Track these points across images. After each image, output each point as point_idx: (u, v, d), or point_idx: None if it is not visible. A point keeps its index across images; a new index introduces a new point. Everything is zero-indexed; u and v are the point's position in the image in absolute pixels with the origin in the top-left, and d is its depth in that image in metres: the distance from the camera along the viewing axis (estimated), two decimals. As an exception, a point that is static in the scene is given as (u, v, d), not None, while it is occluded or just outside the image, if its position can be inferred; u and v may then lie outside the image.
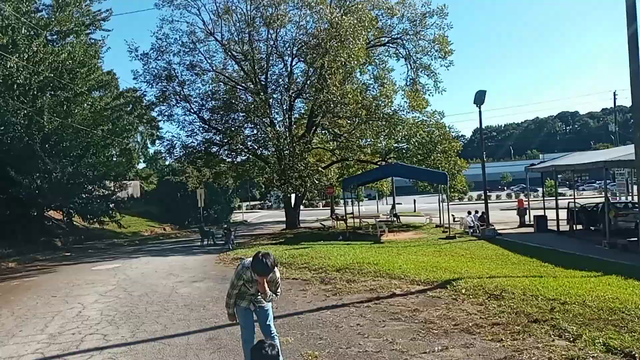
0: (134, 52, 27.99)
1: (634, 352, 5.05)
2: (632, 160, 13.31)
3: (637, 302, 6.92)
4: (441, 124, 30.40)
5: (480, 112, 23.27)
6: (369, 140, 30.95)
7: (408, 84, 32.10)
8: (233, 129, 28.32)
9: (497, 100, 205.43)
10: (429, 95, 31.28)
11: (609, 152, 23.34)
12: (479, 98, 22.86)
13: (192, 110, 29.46)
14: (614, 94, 63.87)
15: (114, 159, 29.80)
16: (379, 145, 32.14)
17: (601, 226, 18.20)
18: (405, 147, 30.62)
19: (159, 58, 27.90)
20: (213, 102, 29.42)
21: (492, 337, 5.83)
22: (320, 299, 8.79)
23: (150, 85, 28.31)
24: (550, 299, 7.20)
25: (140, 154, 38.90)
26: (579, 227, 21.00)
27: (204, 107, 29.58)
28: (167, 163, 41.09)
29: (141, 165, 42.08)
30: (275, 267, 4.85)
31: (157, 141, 38.81)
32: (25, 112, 21.58)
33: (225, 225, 25.90)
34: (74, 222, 27.28)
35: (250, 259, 4.82)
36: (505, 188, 74.92)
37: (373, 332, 6.38)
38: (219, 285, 11.02)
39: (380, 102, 29.16)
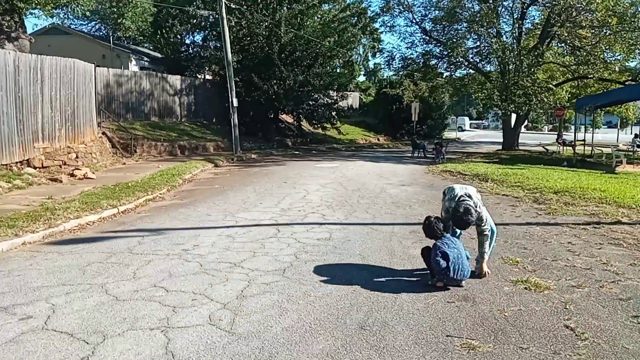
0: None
1: None
2: None
3: None
4: None
5: None
6: (617, 55, 26.17)
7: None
8: (454, 40, 26.94)
9: None
10: None
11: None
12: None
13: (414, 21, 28.94)
14: None
15: (338, 70, 31.65)
16: (630, 61, 26.97)
17: None
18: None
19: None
20: (436, 11, 28.21)
21: None
22: (531, 215, 8.40)
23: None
24: None
25: (361, 66, 40.44)
26: None
27: (426, 17, 28.71)
28: (385, 76, 41.85)
29: (361, 78, 43.92)
30: (480, 219, 4.91)
31: (377, 53, 39.65)
32: (267, 24, 24.20)
33: (437, 140, 25.80)
34: (302, 126, 30.54)
35: (457, 192, 4.98)
36: None
37: (585, 252, 5.93)
38: (426, 190, 11.38)
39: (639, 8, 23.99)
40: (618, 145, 26.22)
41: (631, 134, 40.92)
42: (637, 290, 4.57)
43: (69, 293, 4.54)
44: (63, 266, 5.37)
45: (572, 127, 38.84)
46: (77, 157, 13.52)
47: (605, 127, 56.36)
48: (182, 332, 3.72)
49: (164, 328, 3.78)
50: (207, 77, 28.11)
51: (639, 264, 5.40)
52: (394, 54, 30.20)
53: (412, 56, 29.58)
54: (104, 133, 16.98)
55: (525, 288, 4.66)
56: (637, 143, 26.61)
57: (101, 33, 37.17)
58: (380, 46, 37.08)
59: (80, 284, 4.79)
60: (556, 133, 41.07)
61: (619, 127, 42.43)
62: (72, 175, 11.80)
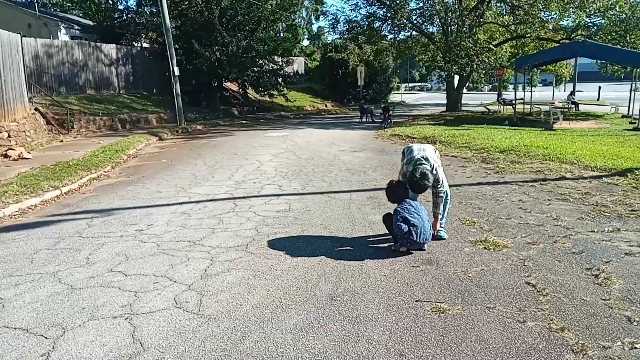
0: None
1: None
2: None
3: None
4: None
5: None
6: (553, 14, 27.04)
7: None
8: (398, 1, 26.84)
9: None
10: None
11: None
12: None
13: (357, -18, 28.52)
14: None
15: (282, 35, 30.91)
16: (565, 20, 27.94)
17: None
18: (598, 22, 26.19)
19: None
20: (378, -29, 27.93)
21: (680, 227, 5.25)
22: (481, 175, 8.66)
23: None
24: None
25: (305, 30, 39.76)
26: None
27: (368, -22, 28.38)
28: (329, 40, 41.40)
29: (305, 43, 43.24)
30: (436, 180, 4.96)
31: (321, 16, 39.07)
32: (205, -14, 23.11)
33: (384, 105, 25.98)
34: (248, 94, 29.83)
35: (415, 154, 5.03)
36: None
37: (536, 209, 6.19)
38: (378, 156, 11.48)
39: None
40: (554, 103, 27.40)
41: (565, 91, 42.89)
42: (587, 244, 4.83)
43: (18, 284, 4.25)
44: (7, 255, 5.01)
45: (511, 86, 40.17)
46: (9, 136, 12.58)
47: (541, 85, 58.74)
48: (147, 318, 3.57)
49: (128, 315, 3.62)
50: (145, 45, 26.70)
51: (586, 218, 5.70)
52: (338, 16, 29.84)
53: (356, 19, 29.34)
54: (36, 109, 15.85)
55: (485, 248, 4.81)
56: (572, 100, 27.93)
57: (25, 0, 34.25)
58: (323, 9, 36.52)
59: (29, 274, 4.49)
60: (496, 93, 42.39)
61: (554, 84, 44.28)
62: (5, 156, 11.00)
